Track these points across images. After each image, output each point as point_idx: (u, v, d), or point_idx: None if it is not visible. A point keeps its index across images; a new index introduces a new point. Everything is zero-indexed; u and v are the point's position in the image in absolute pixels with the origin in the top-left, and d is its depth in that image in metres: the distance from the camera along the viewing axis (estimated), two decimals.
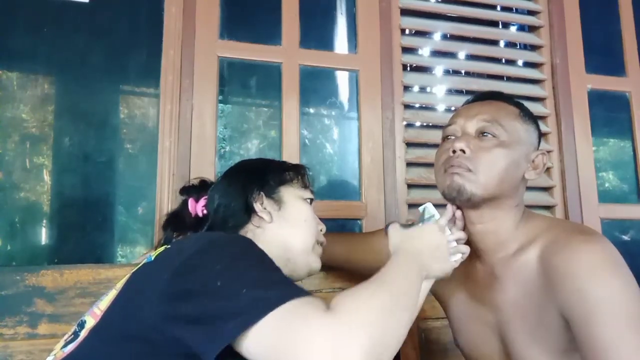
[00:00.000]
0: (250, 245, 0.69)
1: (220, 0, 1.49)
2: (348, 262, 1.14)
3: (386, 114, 1.57)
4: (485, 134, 0.85)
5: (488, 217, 0.86)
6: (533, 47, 1.80)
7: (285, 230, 0.87)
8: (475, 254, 0.92)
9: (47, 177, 1.35)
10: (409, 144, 1.59)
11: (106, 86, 1.47)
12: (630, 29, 1.89)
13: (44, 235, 1.37)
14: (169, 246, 0.74)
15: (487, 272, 0.89)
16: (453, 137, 0.89)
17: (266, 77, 1.57)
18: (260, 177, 0.91)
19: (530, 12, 1.80)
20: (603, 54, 1.87)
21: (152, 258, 0.72)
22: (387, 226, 0.88)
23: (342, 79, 1.65)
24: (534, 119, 0.91)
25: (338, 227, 1.53)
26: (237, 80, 1.58)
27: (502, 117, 0.86)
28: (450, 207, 0.86)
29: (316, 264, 0.90)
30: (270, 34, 1.54)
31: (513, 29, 1.85)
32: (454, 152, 0.85)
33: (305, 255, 0.87)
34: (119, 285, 0.71)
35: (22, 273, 1.08)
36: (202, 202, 0.93)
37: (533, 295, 0.81)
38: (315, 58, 1.56)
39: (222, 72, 1.48)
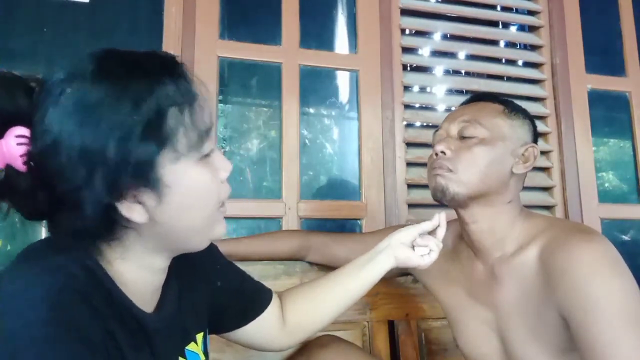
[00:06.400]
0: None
1: (220, 0, 1.49)
2: (348, 263, 1.14)
3: (386, 114, 1.57)
4: (466, 134, 0.87)
5: (480, 215, 0.87)
6: (533, 47, 1.80)
7: (172, 224, 0.56)
8: (474, 253, 0.92)
9: None
10: (409, 144, 1.59)
11: None
12: (630, 29, 1.89)
13: (43, 235, 1.37)
14: None
15: (487, 271, 0.90)
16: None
17: (266, 77, 1.57)
18: (126, 146, 0.49)
19: (530, 12, 1.80)
20: (603, 54, 1.87)
21: None
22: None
23: (342, 79, 1.65)
24: (524, 114, 0.92)
25: (338, 227, 1.53)
26: (237, 80, 1.58)
27: (482, 117, 0.88)
28: (436, 216, 0.88)
29: (219, 230, 0.62)
30: (270, 34, 1.54)
31: (513, 29, 1.85)
32: (436, 154, 0.88)
33: (204, 233, 0.60)
34: None
35: None
36: (17, 140, 0.49)
37: (532, 295, 0.81)
38: (315, 58, 1.56)
39: (222, 72, 1.48)
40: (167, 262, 0.63)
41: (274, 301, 0.85)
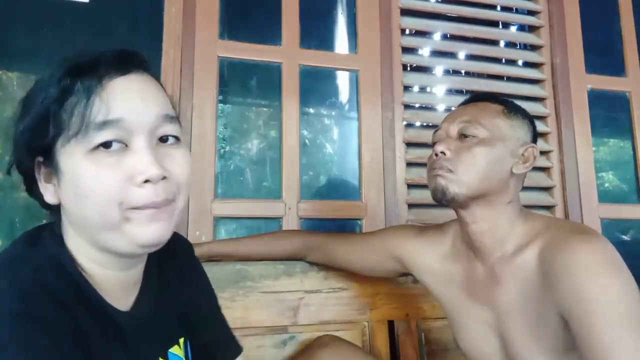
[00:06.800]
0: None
1: (220, 0, 1.49)
2: (348, 263, 1.15)
3: (386, 114, 1.57)
4: (466, 134, 0.87)
5: (480, 215, 0.87)
6: (533, 47, 1.80)
7: (72, 212, 0.57)
8: (474, 254, 0.92)
9: None
10: (409, 144, 1.59)
11: None
12: (630, 29, 1.89)
13: None
14: None
15: (487, 271, 0.90)
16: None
17: (266, 77, 1.57)
18: (36, 125, 0.56)
19: (530, 12, 1.80)
20: (603, 54, 1.87)
21: None
22: None
23: (342, 79, 1.65)
24: (523, 115, 0.92)
25: (338, 227, 1.53)
26: (237, 80, 1.57)
27: (482, 117, 0.88)
28: None
29: (139, 233, 0.56)
30: (270, 34, 1.54)
31: (513, 29, 1.85)
32: (436, 155, 0.88)
33: (114, 232, 0.56)
34: None
35: None
36: None
37: (532, 295, 0.81)
38: (315, 58, 1.56)
39: (222, 72, 1.48)
40: (114, 260, 0.60)
41: None
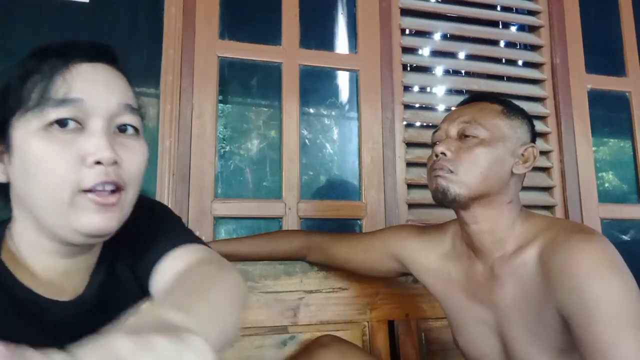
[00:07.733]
0: None
1: (220, 0, 1.49)
2: (348, 263, 1.15)
3: (386, 114, 1.57)
4: (466, 134, 0.87)
5: (481, 216, 0.87)
6: (533, 47, 1.80)
7: (20, 190, 0.57)
8: (474, 253, 0.92)
9: None
10: (409, 144, 1.59)
11: None
12: (630, 29, 1.89)
13: None
14: None
15: (487, 271, 0.90)
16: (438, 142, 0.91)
17: (266, 77, 1.57)
18: None
19: (530, 12, 1.80)
20: (603, 54, 1.87)
21: None
22: None
23: (342, 79, 1.65)
24: (522, 114, 0.92)
25: (338, 227, 1.53)
26: (237, 80, 1.58)
27: (482, 117, 0.88)
28: None
29: (87, 221, 0.55)
30: (270, 34, 1.54)
31: (513, 29, 1.85)
32: (436, 156, 0.88)
33: (60, 217, 0.55)
34: None
35: None
36: None
37: (532, 295, 0.81)
38: (315, 58, 1.56)
39: (222, 72, 1.48)
40: (60, 247, 0.59)
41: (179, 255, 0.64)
